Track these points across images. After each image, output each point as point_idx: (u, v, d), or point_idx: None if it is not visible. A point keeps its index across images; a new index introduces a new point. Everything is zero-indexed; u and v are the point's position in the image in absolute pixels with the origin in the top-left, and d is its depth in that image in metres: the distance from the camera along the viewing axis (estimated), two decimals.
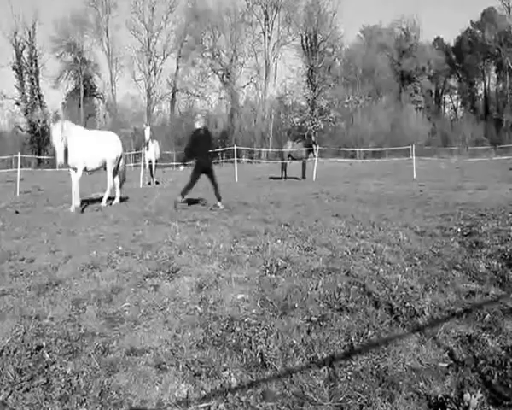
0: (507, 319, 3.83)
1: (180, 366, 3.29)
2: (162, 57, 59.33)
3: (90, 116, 56.61)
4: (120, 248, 6.50)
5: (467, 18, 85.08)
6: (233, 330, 3.82)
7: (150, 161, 21.09)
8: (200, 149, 11.21)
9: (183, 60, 59.49)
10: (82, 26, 57.15)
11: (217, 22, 58.38)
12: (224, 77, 59.21)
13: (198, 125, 11.52)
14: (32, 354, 3.44)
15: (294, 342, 3.59)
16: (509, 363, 3.16)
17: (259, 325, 3.91)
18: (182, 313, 4.22)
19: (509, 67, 59.32)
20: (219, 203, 11.05)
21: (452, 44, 68.07)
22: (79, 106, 56.21)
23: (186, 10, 58.95)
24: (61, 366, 3.28)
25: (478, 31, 64.21)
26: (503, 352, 3.33)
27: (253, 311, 4.22)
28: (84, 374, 3.17)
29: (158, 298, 4.56)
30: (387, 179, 19.33)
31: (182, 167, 12.69)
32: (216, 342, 3.63)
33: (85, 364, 3.30)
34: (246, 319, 4.03)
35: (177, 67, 59.94)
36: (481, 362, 3.20)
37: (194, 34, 58.55)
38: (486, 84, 66.75)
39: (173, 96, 60.18)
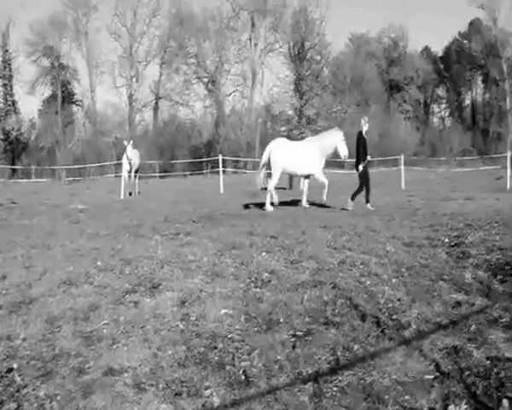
0: (492, 328, 3.83)
1: (160, 386, 3.20)
2: (145, 63, 57.20)
3: (68, 124, 53.72)
4: (99, 263, 6.28)
5: (455, 27, 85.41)
6: (216, 347, 3.74)
7: (129, 172, 20.49)
8: (356, 152, 12.64)
9: (166, 66, 57.75)
10: (60, 28, 53.86)
11: (202, 28, 57.22)
12: (209, 84, 58.28)
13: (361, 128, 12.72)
14: (1, 377, 3.31)
15: (279, 357, 3.54)
16: (493, 373, 3.16)
17: (243, 341, 3.84)
18: (163, 330, 4.11)
19: (495, 77, 59.95)
20: (349, 203, 12.08)
21: (440, 54, 68.56)
22: (57, 113, 52.53)
23: (170, 15, 57.00)
24: (33, 390, 3.16)
25: (465, 41, 64.77)
26: (488, 362, 3.32)
27: (237, 326, 4.14)
28: (59, 397, 3.06)
29: (138, 315, 4.44)
30: (376, 190, 19.29)
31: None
32: (198, 360, 3.55)
33: (60, 386, 3.19)
34: (229, 336, 3.95)
35: (161, 74, 58.14)
36: (466, 373, 3.20)
37: (178, 40, 56.63)
38: (473, 94, 67.36)
39: (156, 103, 58.54)
